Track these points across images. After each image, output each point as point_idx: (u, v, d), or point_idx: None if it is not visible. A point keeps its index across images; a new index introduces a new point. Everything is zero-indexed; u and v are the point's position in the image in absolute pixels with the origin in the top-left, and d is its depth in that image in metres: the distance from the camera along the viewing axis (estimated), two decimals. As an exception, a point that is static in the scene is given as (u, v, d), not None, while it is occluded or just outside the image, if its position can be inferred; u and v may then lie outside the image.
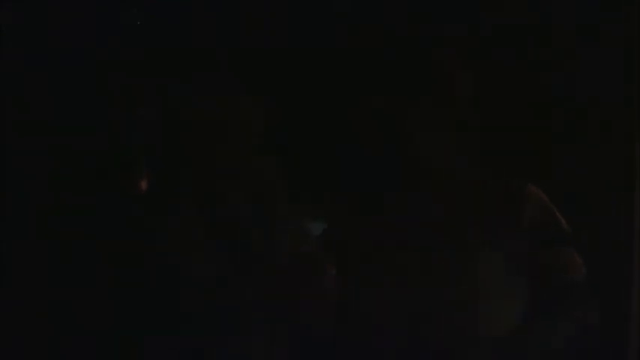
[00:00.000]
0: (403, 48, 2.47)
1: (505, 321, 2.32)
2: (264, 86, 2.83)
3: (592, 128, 3.44)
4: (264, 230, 2.48)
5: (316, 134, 3.53)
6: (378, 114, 2.80)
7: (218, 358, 2.36)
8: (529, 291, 2.34)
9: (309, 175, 3.40)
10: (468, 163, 2.41)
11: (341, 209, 2.55)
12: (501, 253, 2.32)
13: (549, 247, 2.36)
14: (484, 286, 2.30)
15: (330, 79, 3.52)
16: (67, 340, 2.49)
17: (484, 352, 2.27)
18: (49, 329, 2.53)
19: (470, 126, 2.39)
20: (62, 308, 2.51)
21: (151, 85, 2.80)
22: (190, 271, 2.40)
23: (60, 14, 2.77)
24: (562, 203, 2.43)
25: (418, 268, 2.32)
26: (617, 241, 3.32)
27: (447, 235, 2.33)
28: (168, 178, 2.57)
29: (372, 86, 2.56)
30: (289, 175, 2.65)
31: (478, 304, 2.30)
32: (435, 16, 3.47)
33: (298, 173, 3.21)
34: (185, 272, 2.40)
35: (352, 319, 2.35)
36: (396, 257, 2.34)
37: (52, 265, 2.56)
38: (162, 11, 2.95)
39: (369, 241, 2.38)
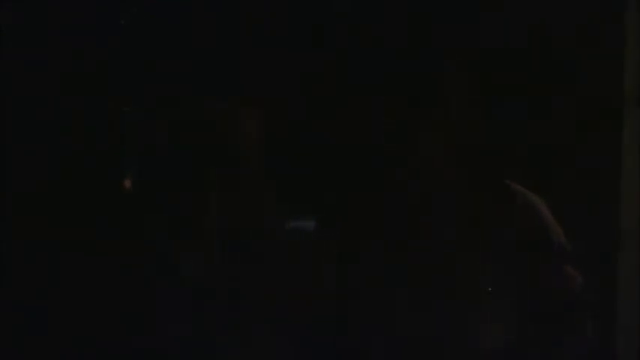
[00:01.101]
0: (405, 49, 2.47)
1: (497, 328, 2.34)
2: (264, 86, 2.83)
3: (587, 133, 3.47)
4: (262, 229, 2.49)
5: (314, 133, 3.55)
6: (378, 114, 2.80)
7: (220, 356, 2.38)
8: (523, 300, 2.36)
9: (308, 173, 3.42)
10: (467, 169, 2.42)
11: (339, 207, 2.55)
12: (497, 261, 2.33)
13: (544, 257, 2.38)
14: (477, 291, 2.32)
15: (332, 79, 3.53)
16: (66, 340, 2.50)
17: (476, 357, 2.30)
18: (48, 329, 2.54)
19: (469, 130, 2.40)
20: (62, 308, 2.51)
21: (151, 85, 2.79)
22: (190, 272, 2.41)
23: (60, 14, 2.77)
24: (560, 212, 2.44)
25: (412, 274, 2.34)
26: (604, 249, 3.37)
27: (443, 239, 2.35)
28: (167, 178, 2.58)
29: (373, 87, 2.55)
30: (288, 174, 2.66)
31: (471, 308, 2.32)
32: (435, 19, 3.48)
33: (297, 171, 3.22)
34: (184, 273, 2.41)
35: (352, 314, 2.37)
36: (391, 259, 2.36)
37: (52, 265, 2.57)
38: (163, 11, 2.95)
39: (365, 239, 2.40)
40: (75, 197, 2.65)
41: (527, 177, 2.54)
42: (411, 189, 2.39)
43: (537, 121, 3.58)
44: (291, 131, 3.11)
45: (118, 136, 2.71)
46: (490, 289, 2.32)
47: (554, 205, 2.45)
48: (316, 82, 3.14)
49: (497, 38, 3.46)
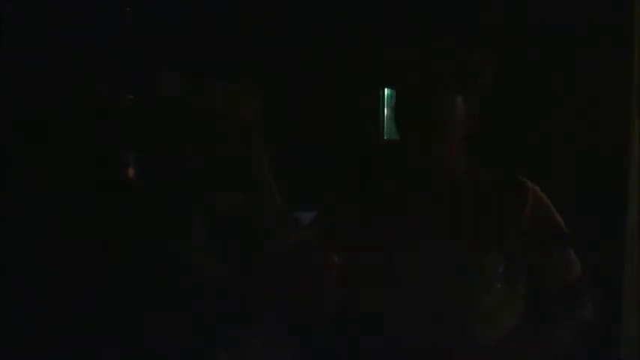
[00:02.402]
0: (407, 45, 2.48)
1: (504, 320, 2.34)
2: (265, 81, 2.83)
3: (588, 128, 3.48)
4: (263, 223, 2.49)
5: (316, 127, 3.57)
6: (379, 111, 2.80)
7: (227, 352, 2.37)
8: (528, 290, 2.37)
9: (309, 167, 3.43)
10: (470, 162, 2.43)
11: (339, 201, 2.56)
12: (501, 252, 2.34)
13: (548, 247, 2.40)
14: (483, 283, 2.33)
15: (335, 75, 3.56)
16: (67, 339, 2.50)
17: (482, 350, 2.30)
18: (49, 329, 2.53)
19: (473, 124, 2.41)
20: (64, 308, 2.51)
21: (150, 81, 2.80)
22: (192, 268, 2.41)
23: (60, 14, 2.78)
24: (559, 203, 2.46)
25: (419, 266, 2.34)
26: (610, 241, 3.36)
27: (448, 232, 2.36)
28: (166, 175, 2.58)
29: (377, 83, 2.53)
30: (288, 167, 2.66)
31: (477, 300, 2.32)
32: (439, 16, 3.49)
33: (298, 165, 3.23)
34: (186, 269, 2.41)
35: (356, 307, 2.36)
36: (395, 253, 2.36)
37: (53, 265, 2.56)
38: (161, 6, 2.97)
39: (368, 232, 2.40)
40: (76, 196, 2.64)
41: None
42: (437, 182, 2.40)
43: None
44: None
45: (117, 133, 2.70)
46: (500, 269, 2.33)
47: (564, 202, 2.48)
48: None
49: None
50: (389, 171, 2.51)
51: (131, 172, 2.63)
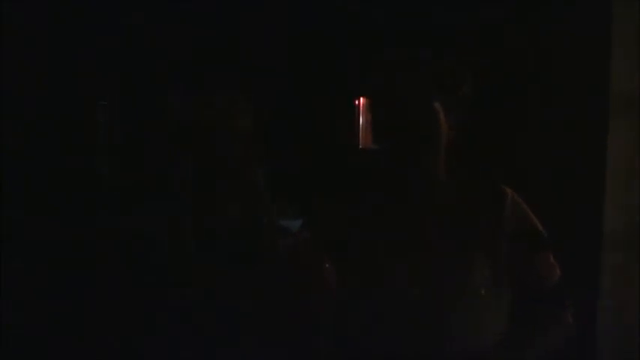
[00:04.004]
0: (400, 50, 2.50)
1: (490, 325, 2.38)
2: (258, 87, 2.85)
3: (565, 131, 3.53)
4: (257, 229, 2.51)
5: (310, 134, 3.58)
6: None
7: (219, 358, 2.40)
8: (511, 295, 2.42)
9: (300, 174, 3.45)
10: (452, 169, 2.47)
11: (329, 206, 2.59)
12: (485, 257, 2.39)
13: (526, 250, 2.44)
14: (470, 288, 2.37)
15: (329, 81, 3.57)
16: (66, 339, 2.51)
17: (469, 355, 2.34)
18: (47, 329, 2.55)
19: (456, 132, 2.45)
20: (61, 308, 2.52)
21: (147, 85, 2.81)
22: (185, 274, 2.43)
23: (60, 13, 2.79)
24: (537, 206, 2.50)
25: (401, 270, 2.38)
26: (586, 244, 3.41)
27: (428, 236, 2.40)
28: (161, 179, 2.60)
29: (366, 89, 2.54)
30: (280, 175, 2.69)
31: (464, 306, 2.36)
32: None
33: (289, 172, 3.24)
34: (179, 275, 2.43)
35: (349, 312, 2.40)
36: (379, 258, 2.40)
37: (48, 267, 2.57)
38: (160, 11, 2.98)
39: (356, 238, 2.44)
40: (74, 195, 2.66)
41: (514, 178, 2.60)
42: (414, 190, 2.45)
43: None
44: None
45: (113, 136, 2.71)
46: (485, 274, 2.38)
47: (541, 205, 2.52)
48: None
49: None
50: (375, 177, 2.55)
51: (127, 177, 2.64)
